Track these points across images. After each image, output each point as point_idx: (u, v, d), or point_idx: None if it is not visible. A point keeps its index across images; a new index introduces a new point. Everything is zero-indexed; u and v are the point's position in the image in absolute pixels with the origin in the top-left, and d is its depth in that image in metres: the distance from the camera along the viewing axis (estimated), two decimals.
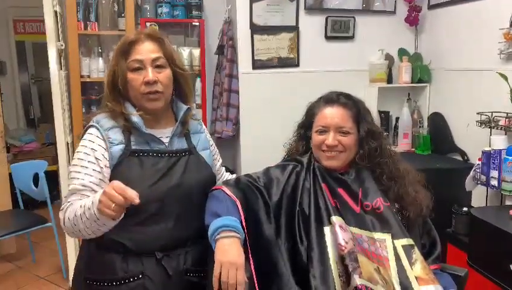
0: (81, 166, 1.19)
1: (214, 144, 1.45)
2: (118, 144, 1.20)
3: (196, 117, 1.39)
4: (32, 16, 4.86)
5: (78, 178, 1.18)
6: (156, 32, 1.28)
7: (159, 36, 1.26)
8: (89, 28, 2.67)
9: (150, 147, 1.23)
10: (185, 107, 1.30)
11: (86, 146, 1.20)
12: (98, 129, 1.22)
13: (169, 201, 1.20)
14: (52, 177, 3.33)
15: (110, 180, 1.17)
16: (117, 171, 1.19)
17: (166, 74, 1.23)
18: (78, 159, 1.20)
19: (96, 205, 1.06)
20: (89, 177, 1.18)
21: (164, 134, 1.28)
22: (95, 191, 1.17)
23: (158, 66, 1.22)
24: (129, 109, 1.23)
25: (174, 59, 1.27)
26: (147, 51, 1.21)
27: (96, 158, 1.19)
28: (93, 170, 1.18)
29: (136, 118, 1.21)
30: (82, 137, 1.24)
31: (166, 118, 1.30)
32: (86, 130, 1.25)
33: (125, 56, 1.21)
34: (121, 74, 1.21)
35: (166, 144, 1.26)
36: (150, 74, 1.20)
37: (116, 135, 1.21)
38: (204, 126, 1.43)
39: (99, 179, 1.18)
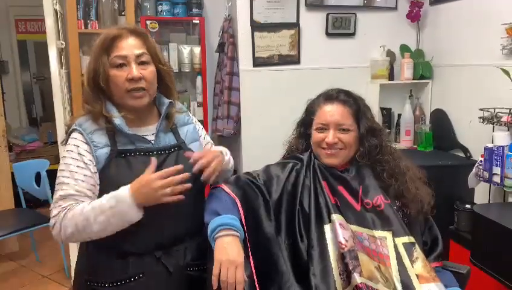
0: (70, 171, 1.14)
1: (205, 133, 1.40)
2: (102, 147, 1.16)
3: (182, 109, 1.34)
4: (33, 15, 4.86)
5: (68, 183, 1.14)
6: (139, 28, 1.24)
7: (143, 32, 1.22)
8: (89, 26, 2.67)
9: (136, 146, 1.20)
10: (167, 101, 1.25)
11: (72, 151, 1.16)
12: (81, 133, 1.17)
13: None
14: (54, 176, 3.28)
15: (99, 183, 1.16)
16: (105, 174, 1.16)
17: (150, 71, 1.19)
18: (66, 164, 1.16)
19: (122, 201, 1.08)
20: (80, 182, 1.14)
21: (150, 131, 1.24)
22: (89, 197, 1.14)
23: (142, 63, 1.17)
24: (110, 110, 1.18)
25: (158, 56, 1.22)
26: (130, 46, 1.17)
27: (84, 163, 1.15)
28: (84, 175, 1.14)
29: (118, 120, 1.17)
30: (66, 142, 1.20)
31: (150, 114, 1.26)
32: (69, 134, 1.20)
33: (107, 52, 1.16)
34: (103, 71, 1.15)
35: (153, 142, 1.22)
36: (135, 70, 1.15)
37: (100, 138, 1.17)
38: (192, 116, 1.38)
39: (91, 184, 1.15)
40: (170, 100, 1.26)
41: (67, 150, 1.18)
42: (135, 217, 1.11)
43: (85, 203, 1.13)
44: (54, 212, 1.14)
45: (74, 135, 1.19)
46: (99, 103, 1.18)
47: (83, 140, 1.17)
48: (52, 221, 1.14)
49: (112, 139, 1.18)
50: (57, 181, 1.17)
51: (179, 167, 1.14)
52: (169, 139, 1.26)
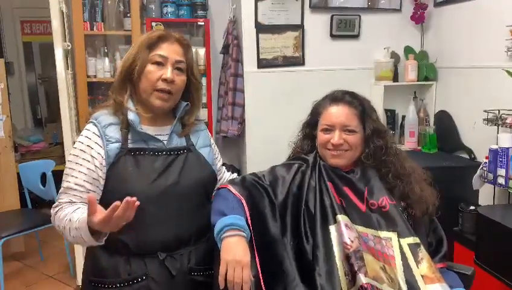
0: (76, 163, 1.18)
1: (214, 143, 1.45)
2: (114, 142, 1.19)
3: (198, 117, 1.38)
4: (39, 17, 4.89)
5: (72, 175, 1.17)
6: (185, 38, 1.29)
7: (187, 43, 1.28)
8: (95, 28, 2.69)
9: (147, 145, 1.23)
10: (183, 103, 1.28)
11: (82, 142, 1.19)
12: (95, 126, 1.20)
13: (169, 200, 1.20)
14: (60, 177, 3.26)
15: (107, 179, 1.18)
16: (113, 170, 1.18)
17: (182, 79, 1.25)
18: (74, 155, 1.19)
19: (83, 229, 1.06)
20: (83, 175, 1.17)
21: (163, 131, 1.27)
22: (88, 190, 1.17)
23: (178, 69, 1.23)
24: (129, 104, 1.23)
25: (193, 69, 1.29)
26: (173, 51, 1.23)
27: (91, 156, 1.17)
28: (88, 168, 1.17)
29: (132, 115, 1.20)
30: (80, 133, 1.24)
31: (165, 116, 1.29)
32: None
33: (150, 49, 1.21)
34: (140, 63, 1.20)
35: (165, 142, 1.25)
36: (170, 72, 1.20)
37: (114, 133, 1.20)
38: (205, 125, 1.43)
39: (93, 178, 1.17)
40: (187, 102, 1.29)
41: (78, 141, 1.21)
42: (94, 244, 1.10)
43: (74, 207, 1.15)
44: (56, 203, 1.19)
45: (89, 126, 1.22)
46: (123, 95, 1.22)
47: (96, 132, 1.20)
48: (52, 210, 1.20)
49: (125, 136, 1.21)
50: (64, 171, 1.20)
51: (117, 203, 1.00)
52: (180, 142, 1.29)
